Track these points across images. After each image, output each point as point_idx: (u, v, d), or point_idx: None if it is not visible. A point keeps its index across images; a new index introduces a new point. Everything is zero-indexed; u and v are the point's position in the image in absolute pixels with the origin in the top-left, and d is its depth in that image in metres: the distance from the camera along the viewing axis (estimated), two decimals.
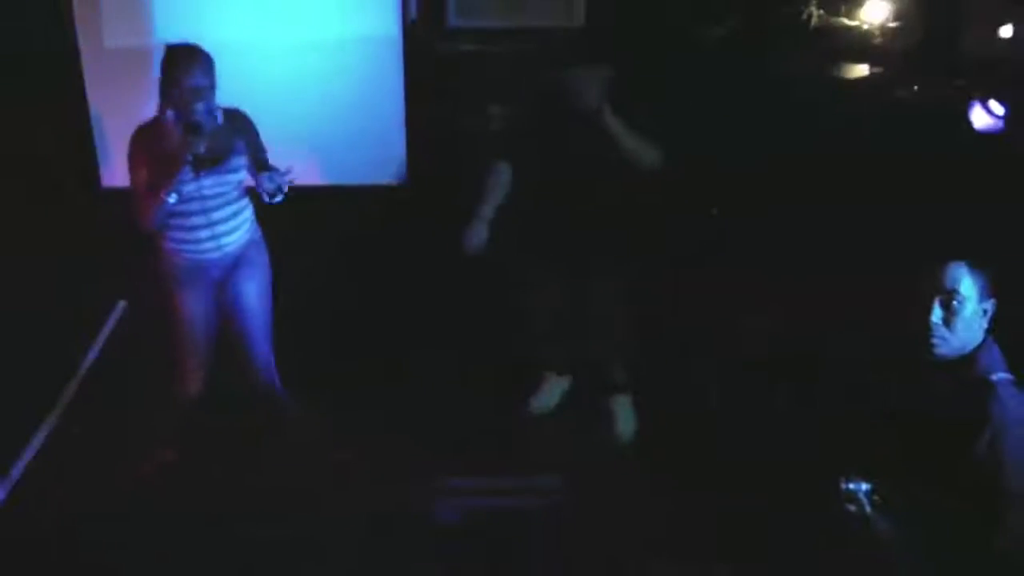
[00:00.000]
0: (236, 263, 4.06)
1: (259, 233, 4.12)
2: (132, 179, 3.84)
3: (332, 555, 3.66)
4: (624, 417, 4.38)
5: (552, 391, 4.50)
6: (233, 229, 3.99)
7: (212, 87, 3.77)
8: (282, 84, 5.40)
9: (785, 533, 3.55)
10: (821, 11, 4.99)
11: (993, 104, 4.57)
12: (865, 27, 4.98)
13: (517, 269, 4.29)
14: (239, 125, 3.95)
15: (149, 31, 5.29)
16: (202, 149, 3.70)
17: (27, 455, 4.15)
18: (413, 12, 5.58)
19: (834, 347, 4.27)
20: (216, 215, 3.91)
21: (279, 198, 3.95)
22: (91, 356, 4.80)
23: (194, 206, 3.85)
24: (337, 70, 5.50)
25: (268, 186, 3.91)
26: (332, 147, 5.54)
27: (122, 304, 5.17)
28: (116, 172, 5.43)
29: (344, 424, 4.35)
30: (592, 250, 4.15)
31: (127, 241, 4.85)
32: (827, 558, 3.30)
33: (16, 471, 4.06)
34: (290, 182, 3.92)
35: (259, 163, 4.02)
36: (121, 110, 5.27)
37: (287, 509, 3.83)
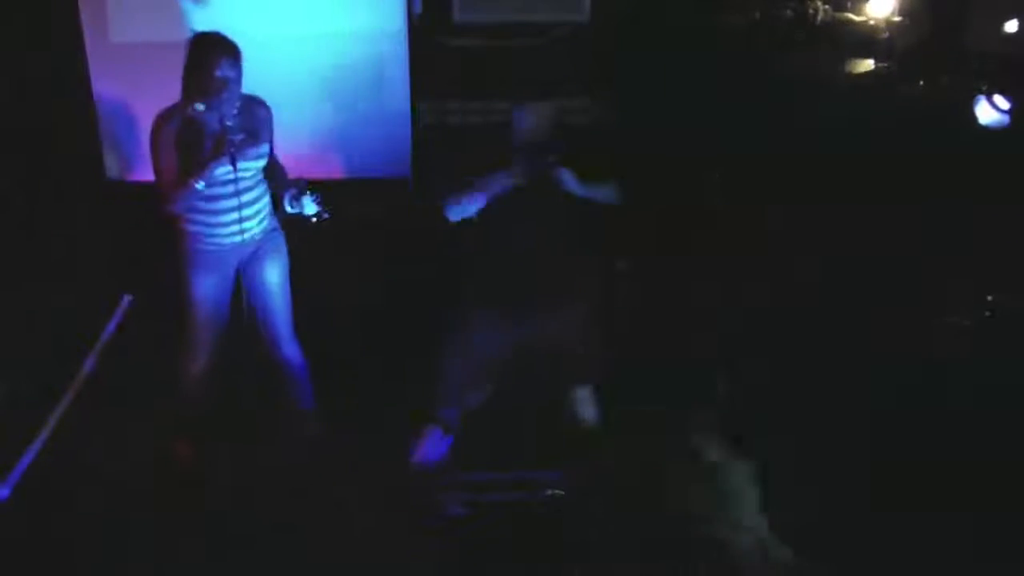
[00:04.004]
0: (257, 251, 4.16)
1: (276, 222, 4.24)
2: (157, 164, 3.92)
3: (330, 551, 3.68)
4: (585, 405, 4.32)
5: (436, 445, 4.26)
6: (256, 213, 4.10)
7: (239, 78, 3.86)
8: (286, 77, 5.40)
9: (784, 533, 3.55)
10: (827, 6, 5.00)
11: (998, 99, 4.54)
12: (871, 22, 4.99)
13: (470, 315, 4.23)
14: (263, 114, 4.08)
15: (155, 26, 5.29)
16: (237, 143, 3.83)
17: (27, 455, 4.19)
18: (418, 6, 5.58)
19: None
20: (243, 198, 4.00)
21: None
22: (96, 351, 4.83)
23: (227, 189, 3.95)
24: (342, 63, 5.50)
25: (308, 208, 4.11)
26: (336, 141, 5.55)
27: (127, 299, 5.20)
28: (121, 166, 5.50)
29: (347, 418, 4.39)
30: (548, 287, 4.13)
31: (132, 235, 4.91)
32: (826, 558, 3.29)
33: (17, 471, 4.10)
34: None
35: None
36: (127, 105, 5.34)
37: (287, 507, 3.84)
